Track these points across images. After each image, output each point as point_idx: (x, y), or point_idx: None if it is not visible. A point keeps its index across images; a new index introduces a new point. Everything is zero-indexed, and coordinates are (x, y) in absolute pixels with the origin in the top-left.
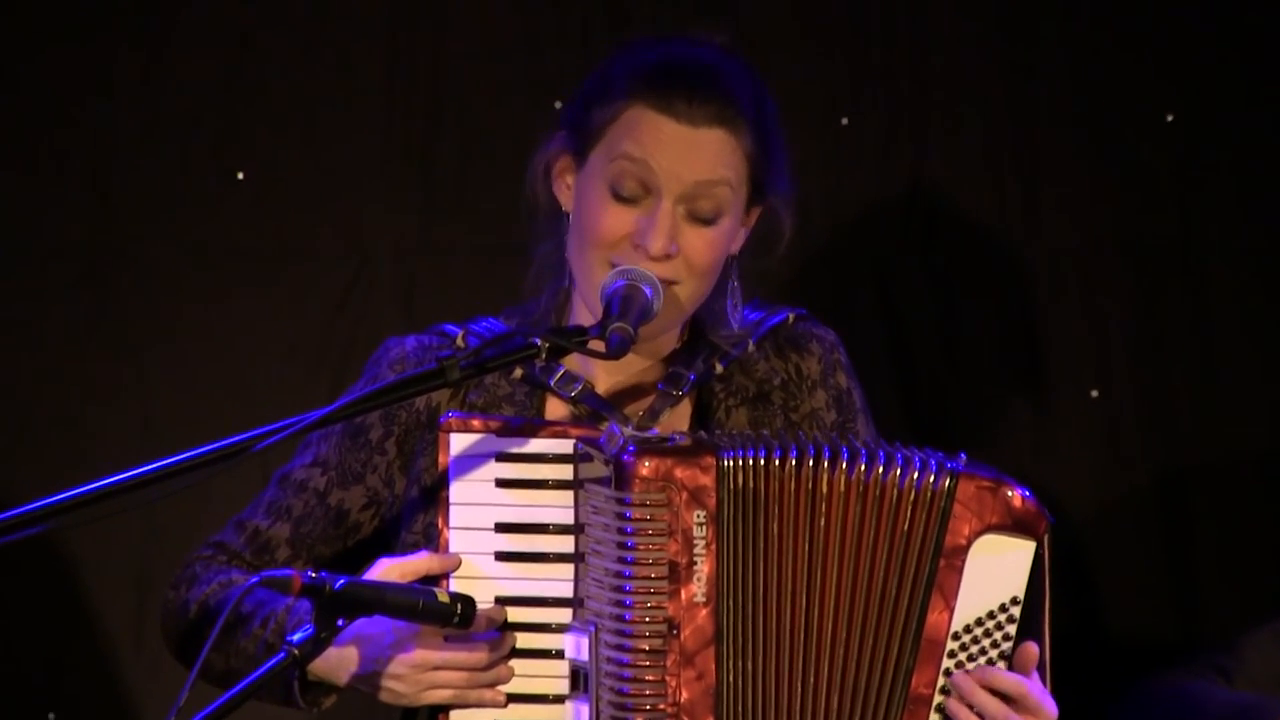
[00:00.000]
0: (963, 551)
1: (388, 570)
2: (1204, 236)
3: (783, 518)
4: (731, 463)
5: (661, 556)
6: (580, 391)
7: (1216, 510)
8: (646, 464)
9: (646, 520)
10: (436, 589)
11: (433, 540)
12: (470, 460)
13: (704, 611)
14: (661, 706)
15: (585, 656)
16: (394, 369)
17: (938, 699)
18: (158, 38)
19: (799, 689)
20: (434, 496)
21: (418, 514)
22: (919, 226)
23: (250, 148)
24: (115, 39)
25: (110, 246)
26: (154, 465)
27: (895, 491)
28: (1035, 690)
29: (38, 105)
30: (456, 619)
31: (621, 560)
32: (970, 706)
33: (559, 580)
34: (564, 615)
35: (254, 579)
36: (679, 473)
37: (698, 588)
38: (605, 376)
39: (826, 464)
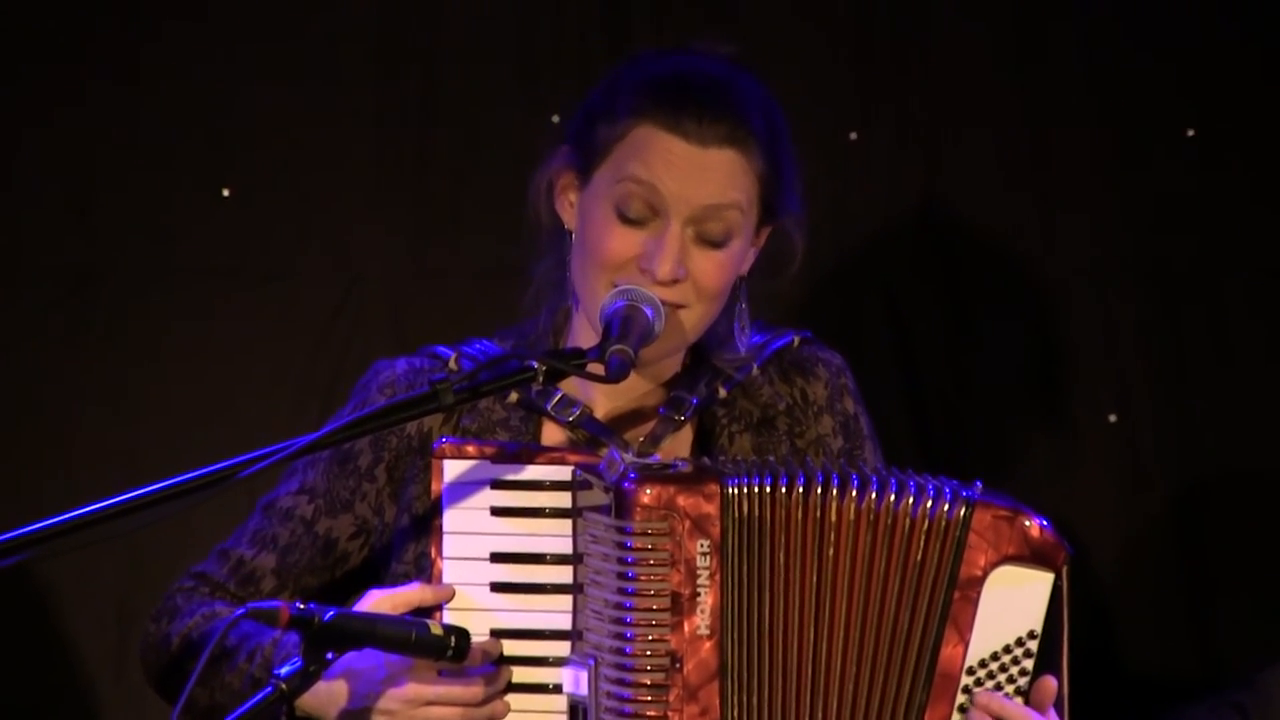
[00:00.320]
0: (978, 583)
1: (379, 602)
2: (1225, 255)
3: (790, 547)
4: (736, 490)
5: (664, 587)
6: (578, 416)
7: (1238, 539)
8: (648, 491)
9: (648, 550)
10: (430, 621)
11: (424, 570)
12: (464, 487)
13: (708, 645)
14: None
15: (584, 691)
16: (384, 393)
17: None
18: (140, 50)
19: None
20: (426, 525)
21: (409, 543)
22: (930, 245)
23: (236, 163)
24: (96, 52)
25: (90, 266)
26: (136, 493)
27: (907, 521)
28: None
29: (15, 120)
30: (450, 652)
31: (622, 591)
32: None
33: (557, 612)
34: (562, 648)
35: (240, 610)
36: (682, 501)
37: (701, 620)
38: (605, 401)
39: (835, 492)
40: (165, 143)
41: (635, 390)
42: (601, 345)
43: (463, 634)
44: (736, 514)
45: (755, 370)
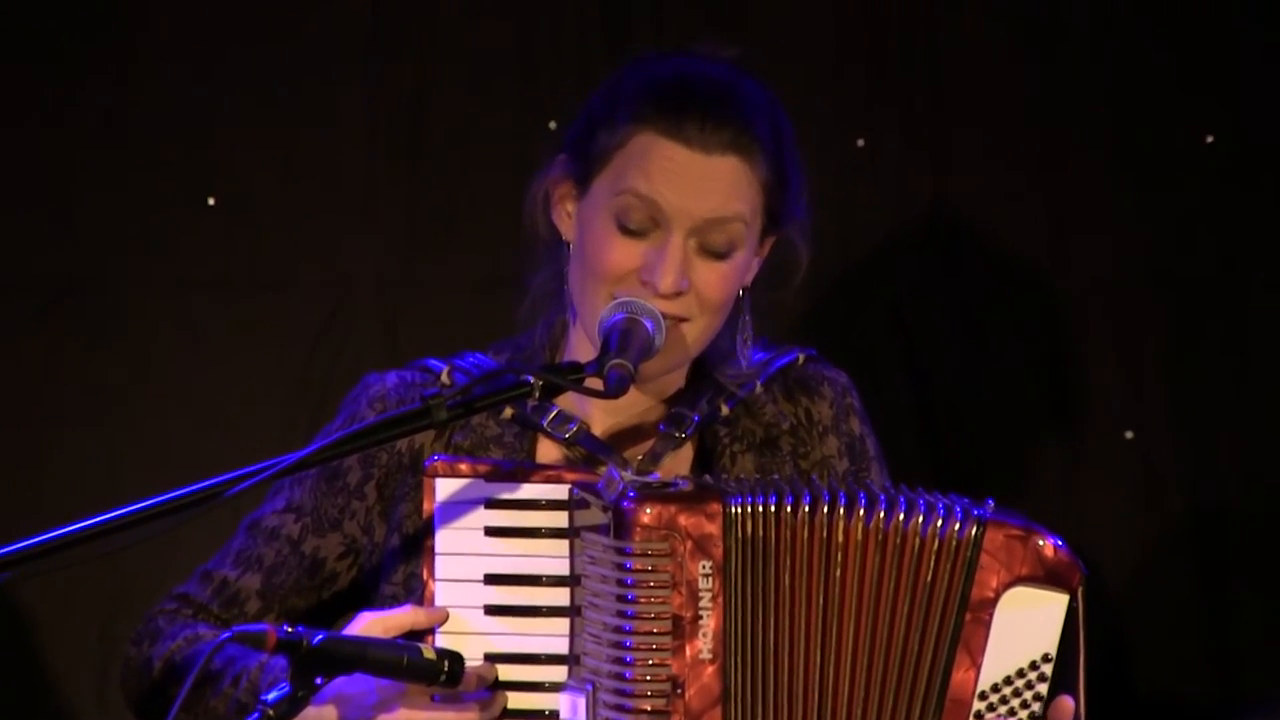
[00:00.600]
0: (990, 605)
1: (369, 624)
2: (1245, 267)
3: (795, 568)
4: (739, 509)
5: (664, 610)
6: (575, 433)
7: (1258, 559)
8: (648, 511)
9: (648, 571)
10: (422, 645)
11: (416, 592)
12: (457, 507)
13: (710, 669)
14: None
15: (582, 717)
16: (374, 407)
17: None
18: (123, 55)
19: None
20: (417, 545)
21: (399, 564)
22: (939, 256)
23: (223, 171)
24: (78, 57)
25: (71, 276)
26: (118, 512)
27: (917, 540)
28: None
29: None
30: (444, 677)
31: (621, 614)
32: None
33: (553, 636)
34: (559, 673)
35: (225, 634)
36: (683, 520)
37: (703, 643)
38: (603, 417)
39: (842, 511)
40: (149, 148)
41: (635, 406)
42: (600, 359)
43: (456, 658)
44: (740, 534)
45: (758, 388)
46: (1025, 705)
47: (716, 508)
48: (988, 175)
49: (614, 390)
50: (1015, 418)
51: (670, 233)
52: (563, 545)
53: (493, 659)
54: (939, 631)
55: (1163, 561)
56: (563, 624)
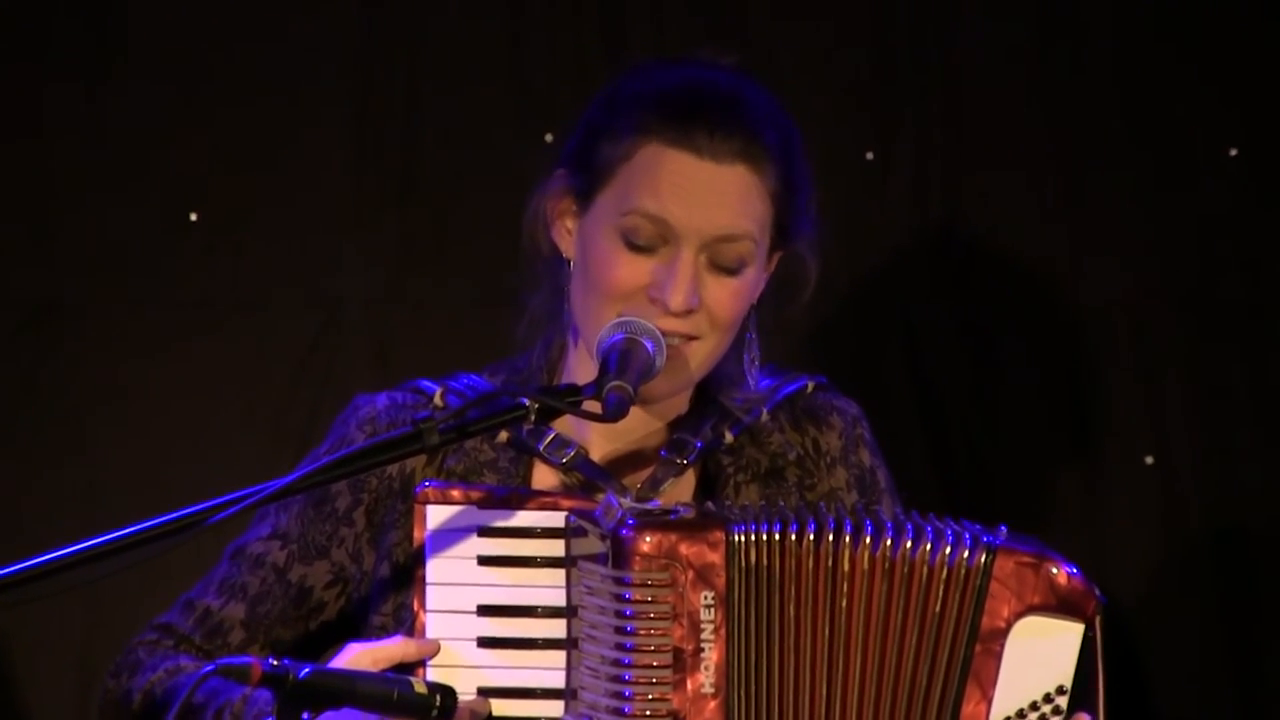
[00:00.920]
0: (1001, 635)
1: (358, 657)
2: (1270, 285)
3: (800, 599)
4: (742, 538)
5: (665, 642)
6: (573, 458)
7: None
8: (648, 539)
9: (648, 602)
10: (413, 678)
11: (406, 623)
12: (449, 535)
13: (713, 704)
14: None
15: None
16: (364, 430)
17: None
18: (101, 66)
19: None
20: (408, 575)
21: (389, 594)
22: (952, 273)
23: (204, 186)
24: (54, 65)
25: (48, 296)
26: (97, 540)
27: (925, 569)
28: None
29: None
30: (435, 712)
31: (620, 647)
32: None
33: (549, 669)
34: (555, 708)
35: (208, 666)
36: (684, 549)
37: (705, 677)
38: (602, 442)
39: (848, 539)
40: (128, 162)
41: (635, 431)
42: (598, 381)
43: (448, 693)
44: (743, 563)
45: (765, 415)
46: None
47: (719, 536)
48: (1002, 190)
49: (612, 414)
50: (1030, 443)
51: (680, 249)
52: (559, 575)
53: (486, 693)
54: (948, 663)
55: (1184, 592)
56: (559, 657)
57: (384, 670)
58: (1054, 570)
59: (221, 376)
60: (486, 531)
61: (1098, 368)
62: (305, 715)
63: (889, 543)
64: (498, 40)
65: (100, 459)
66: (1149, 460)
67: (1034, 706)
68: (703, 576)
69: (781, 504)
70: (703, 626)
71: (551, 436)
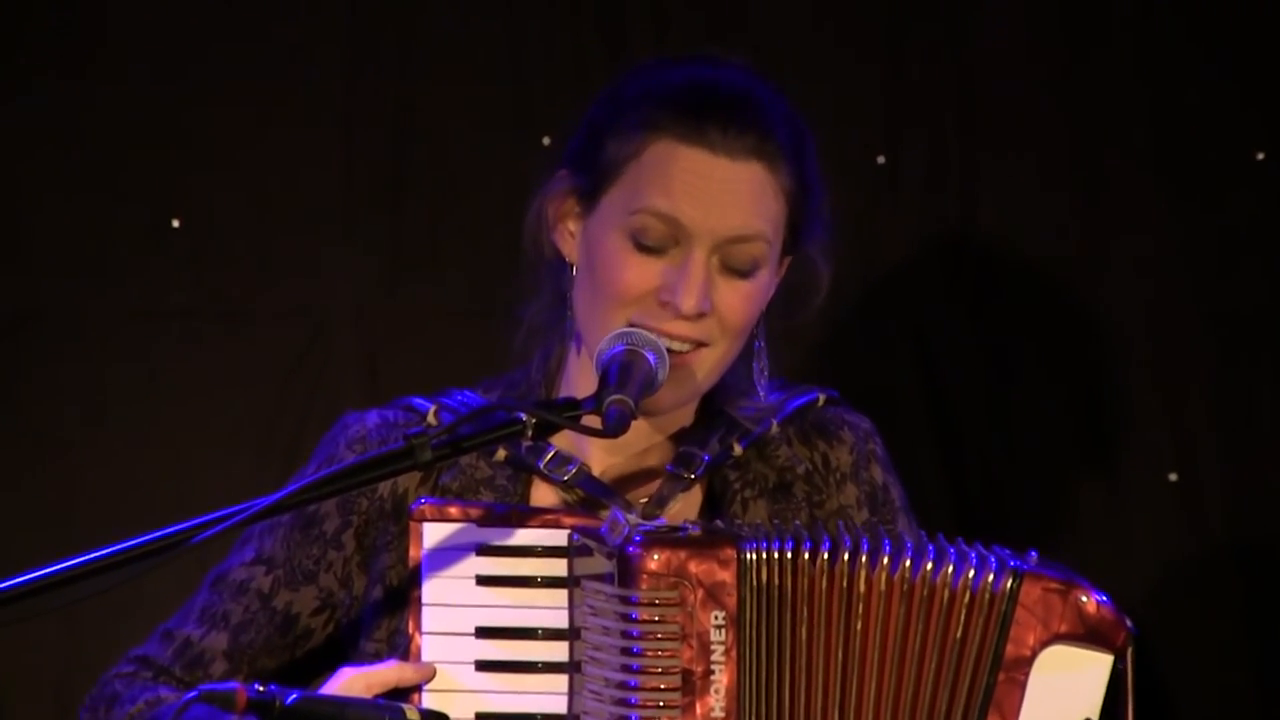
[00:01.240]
0: (1026, 664)
1: (350, 682)
2: None
3: (813, 620)
4: (754, 556)
5: (673, 664)
6: (574, 475)
7: None
8: (656, 556)
9: (655, 622)
10: (406, 705)
11: (400, 648)
12: (447, 554)
13: None
14: None
15: None
16: (353, 449)
17: None
18: (79, 60)
19: None
20: (402, 597)
21: (382, 618)
22: (966, 282)
23: (186, 190)
24: (28, 62)
25: (25, 303)
26: (73, 561)
27: (946, 592)
28: None
29: None
30: None
31: (626, 669)
32: None
33: (550, 694)
34: None
35: (190, 694)
36: (694, 567)
37: (715, 701)
38: (603, 457)
39: (865, 559)
40: (107, 164)
41: (637, 445)
42: (597, 395)
43: (444, 719)
44: (755, 582)
45: (774, 427)
46: None
47: (730, 553)
48: (1019, 196)
49: (613, 429)
50: (1048, 459)
51: (691, 250)
52: (561, 595)
53: (484, 719)
54: (969, 692)
55: (1209, 614)
56: (561, 681)
57: (377, 696)
58: (1083, 598)
59: (205, 389)
60: (485, 550)
61: (1118, 380)
62: None
63: (908, 564)
64: (493, 39)
65: (77, 476)
66: (1172, 477)
67: None
68: (713, 596)
69: (797, 523)
70: (713, 648)
71: (552, 453)
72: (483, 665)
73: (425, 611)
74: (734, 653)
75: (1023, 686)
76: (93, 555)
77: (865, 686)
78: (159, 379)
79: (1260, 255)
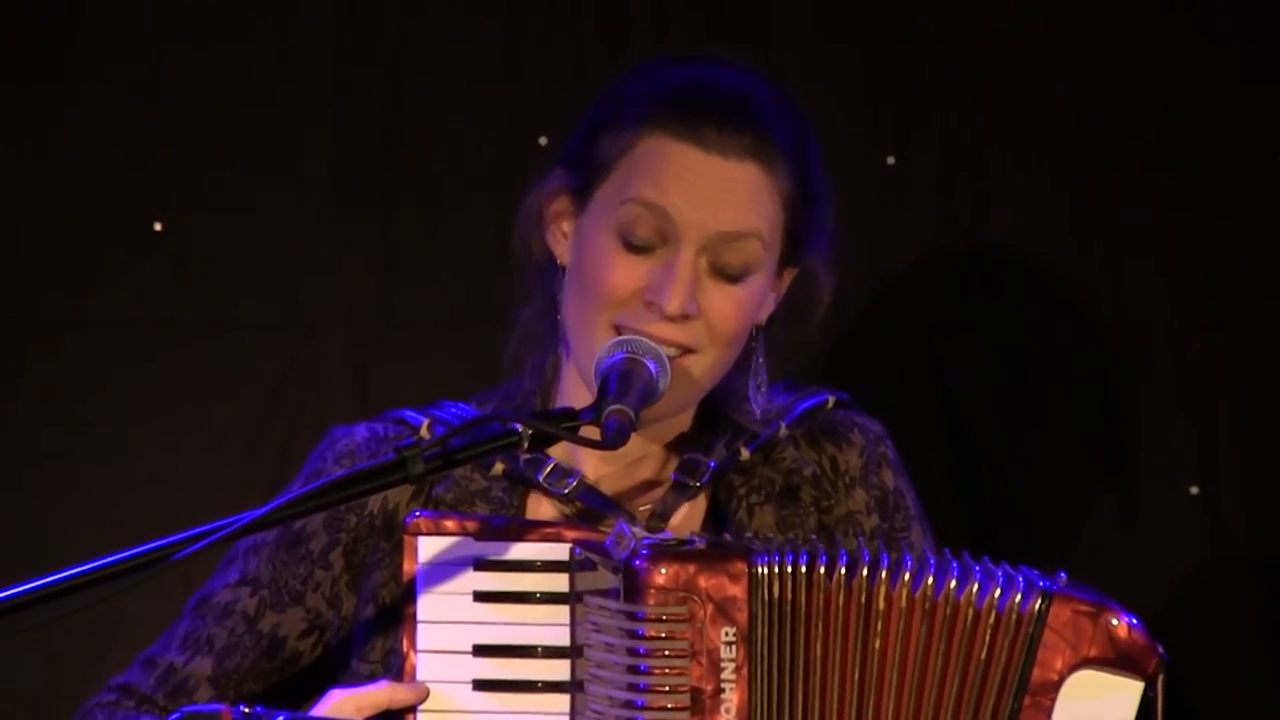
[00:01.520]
0: (1053, 689)
1: (341, 703)
2: None
3: (829, 638)
4: (766, 570)
5: (682, 683)
6: (575, 488)
7: None
8: (663, 570)
9: (663, 639)
10: None
11: (394, 668)
12: (442, 569)
13: None
14: None
15: None
16: (341, 464)
17: None
18: (54, 64)
19: None
20: (395, 615)
21: (375, 638)
22: (979, 290)
23: (169, 193)
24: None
25: None
26: (52, 577)
27: (970, 612)
28: None
29: None
30: None
31: (632, 687)
32: None
33: (550, 714)
34: None
35: (174, 715)
36: (703, 581)
37: None
38: (598, 467)
39: (884, 575)
40: (85, 165)
41: (632, 454)
42: (597, 405)
43: None
44: (767, 597)
45: (783, 429)
46: None
47: (741, 567)
48: (1033, 198)
49: (613, 440)
50: (1065, 472)
51: (680, 247)
52: (562, 612)
53: None
54: (993, 716)
55: (1232, 632)
56: (562, 701)
57: (368, 718)
58: (1114, 621)
59: (188, 400)
60: (483, 565)
61: (1137, 389)
62: None
63: (931, 581)
64: (490, 37)
65: (55, 489)
66: (1194, 490)
67: None
68: (723, 611)
69: (813, 538)
70: (723, 665)
71: (551, 466)
72: (480, 684)
73: (420, 628)
74: (745, 670)
75: (1049, 713)
76: (71, 572)
77: (883, 708)
78: (140, 389)
79: None
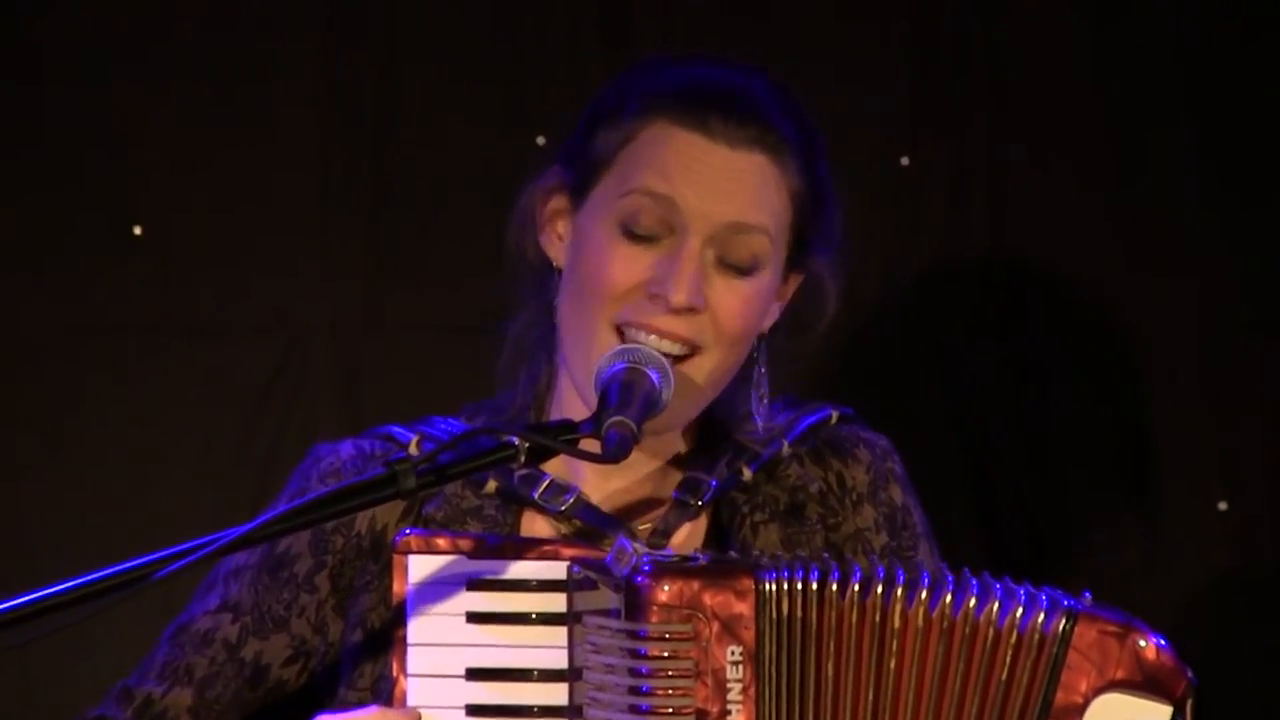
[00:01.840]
0: (1077, 712)
1: None
2: None
3: (841, 657)
4: (774, 586)
5: (686, 704)
6: (572, 505)
7: None
8: (667, 587)
9: (666, 659)
10: None
11: (384, 694)
12: (434, 588)
13: None
14: None
15: None
16: (325, 483)
17: None
18: (27, 52)
19: None
20: (385, 639)
21: (364, 664)
22: (997, 296)
23: (149, 195)
24: None
25: None
26: (26, 597)
27: (991, 631)
28: None
29: None
30: None
31: (634, 710)
32: None
33: None
34: None
35: None
36: (708, 598)
37: None
38: (598, 483)
39: (900, 592)
40: (61, 166)
41: (633, 470)
42: (597, 416)
43: None
44: (775, 614)
45: (786, 447)
46: None
47: (748, 583)
48: (1054, 202)
49: (613, 453)
50: (1086, 488)
51: (686, 238)
52: (559, 633)
53: None
54: None
55: (1261, 654)
56: None
57: None
58: (1142, 643)
59: (169, 411)
60: (476, 584)
61: (1162, 401)
62: None
63: (949, 599)
64: (483, 31)
65: (28, 505)
66: (1222, 506)
67: None
68: (729, 629)
69: (826, 555)
70: (729, 686)
71: (547, 482)
72: (474, 710)
73: (411, 652)
74: (752, 692)
75: None
76: (46, 592)
77: None
78: (118, 400)
79: None
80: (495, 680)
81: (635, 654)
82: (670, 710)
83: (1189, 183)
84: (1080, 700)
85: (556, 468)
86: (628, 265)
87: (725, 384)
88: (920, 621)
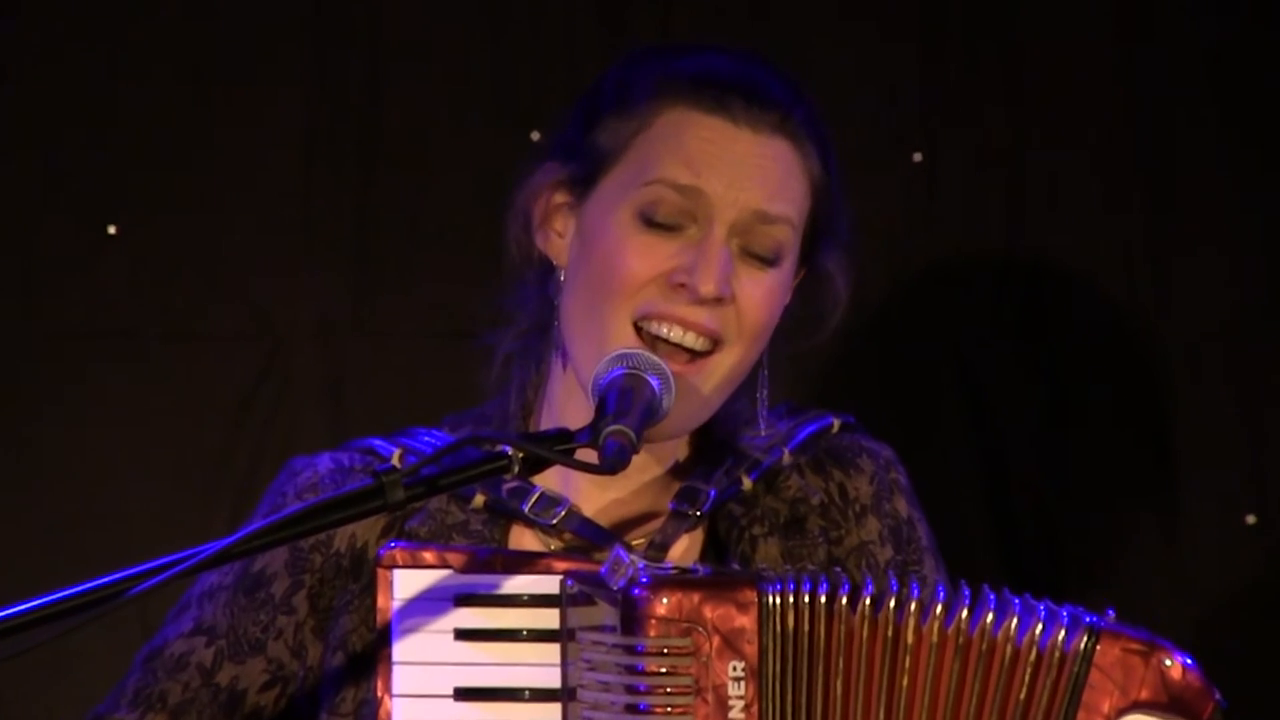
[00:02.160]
0: None
1: None
2: None
3: (850, 674)
4: (779, 599)
5: None
6: (563, 518)
7: None
8: (665, 600)
9: (665, 674)
10: None
11: (368, 717)
12: (421, 605)
13: None
14: None
15: None
16: (303, 498)
17: None
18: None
19: None
20: (367, 663)
21: (345, 689)
22: (1014, 297)
23: (124, 193)
24: None
25: None
26: None
27: (1009, 648)
28: None
29: None
30: None
31: None
32: None
33: None
34: None
35: None
36: (709, 611)
37: None
38: (594, 495)
39: (913, 607)
40: (34, 163)
41: (630, 481)
42: (594, 424)
43: None
44: (779, 629)
45: (786, 455)
46: None
47: (750, 596)
48: (1074, 198)
49: (611, 463)
50: (1109, 500)
51: (711, 226)
52: (552, 651)
53: None
54: None
55: None
56: None
57: None
58: (1167, 661)
59: (146, 419)
60: (465, 600)
61: (1188, 409)
62: None
63: (965, 615)
64: (475, 22)
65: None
66: (1250, 520)
67: None
68: (730, 644)
69: (837, 569)
70: (731, 703)
71: (537, 495)
72: None
73: (396, 671)
74: (755, 709)
75: None
76: (13, 610)
77: None
78: (91, 407)
79: None
80: (485, 700)
81: (632, 670)
82: None
83: (1213, 176)
84: None
85: (548, 479)
86: (647, 255)
87: (735, 388)
88: (935, 638)
